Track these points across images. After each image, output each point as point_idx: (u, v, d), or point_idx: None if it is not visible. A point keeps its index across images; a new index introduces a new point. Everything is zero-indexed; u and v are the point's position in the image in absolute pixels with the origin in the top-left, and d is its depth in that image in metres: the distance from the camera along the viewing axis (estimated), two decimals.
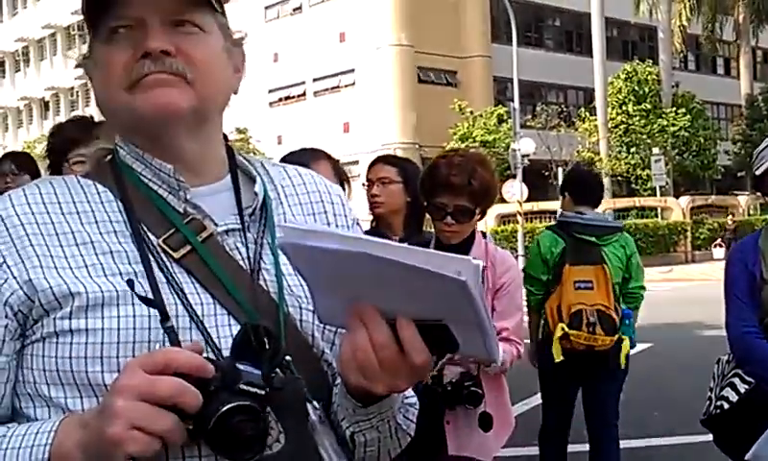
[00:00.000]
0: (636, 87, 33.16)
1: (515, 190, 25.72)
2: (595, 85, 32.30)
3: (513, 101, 27.46)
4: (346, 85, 35.52)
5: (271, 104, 38.08)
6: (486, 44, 35.76)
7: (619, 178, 32.50)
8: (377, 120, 33.11)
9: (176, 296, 1.15)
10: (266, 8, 38.01)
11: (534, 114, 31.98)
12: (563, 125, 32.12)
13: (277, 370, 1.09)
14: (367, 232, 3.84)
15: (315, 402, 1.15)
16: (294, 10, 36.96)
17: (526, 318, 4.01)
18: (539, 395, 5.21)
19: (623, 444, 6.03)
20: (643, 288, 4.86)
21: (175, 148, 1.22)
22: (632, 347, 4.66)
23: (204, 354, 1.05)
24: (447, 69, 35.53)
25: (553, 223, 5.05)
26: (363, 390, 1.08)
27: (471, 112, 31.31)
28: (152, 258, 1.16)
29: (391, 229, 3.70)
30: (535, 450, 5.21)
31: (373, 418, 1.17)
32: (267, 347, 1.08)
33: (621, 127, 32.47)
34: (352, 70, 35.04)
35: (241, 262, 1.21)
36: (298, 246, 1.01)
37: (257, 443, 1.02)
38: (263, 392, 1.02)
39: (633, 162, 32.11)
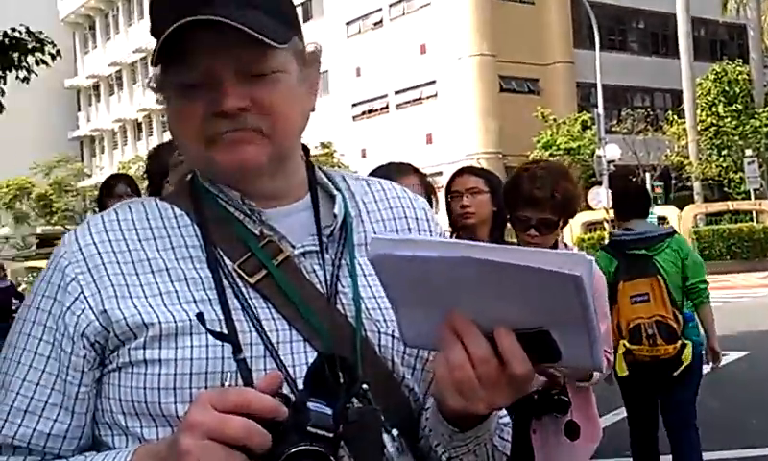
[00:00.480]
0: (727, 88, 32.24)
1: (600, 197, 25.32)
2: (683, 87, 31.55)
3: (597, 106, 27.06)
4: (428, 97, 35.63)
5: (354, 118, 38.50)
6: (568, 50, 35.38)
7: (711, 181, 31.63)
8: (460, 130, 33.10)
9: (250, 323, 1.12)
10: (347, 24, 38.50)
11: (619, 119, 31.42)
12: (649, 129, 31.46)
13: (354, 400, 1.05)
14: None
15: (394, 432, 1.11)
16: (375, 24, 37.33)
17: None
18: None
19: (720, 454, 5.97)
20: (705, 283, 4.93)
21: (257, 188, 1.21)
22: (699, 346, 4.81)
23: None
24: (529, 77, 35.28)
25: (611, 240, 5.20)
26: (461, 411, 1.03)
27: (555, 120, 31.00)
28: (227, 284, 1.13)
29: (476, 240, 3.76)
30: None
31: (470, 442, 1.11)
32: (342, 379, 1.02)
33: (711, 129, 31.59)
34: (434, 82, 35.14)
35: (318, 286, 1.17)
36: (389, 257, 0.96)
37: None
38: (332, 434, 0.97)
39: (725, 165, 31.19)
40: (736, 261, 25.06)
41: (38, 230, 46.15)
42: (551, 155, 29.98)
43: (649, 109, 34.31)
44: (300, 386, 1.06)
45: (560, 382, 3.12)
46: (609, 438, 6.29)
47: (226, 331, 1.10)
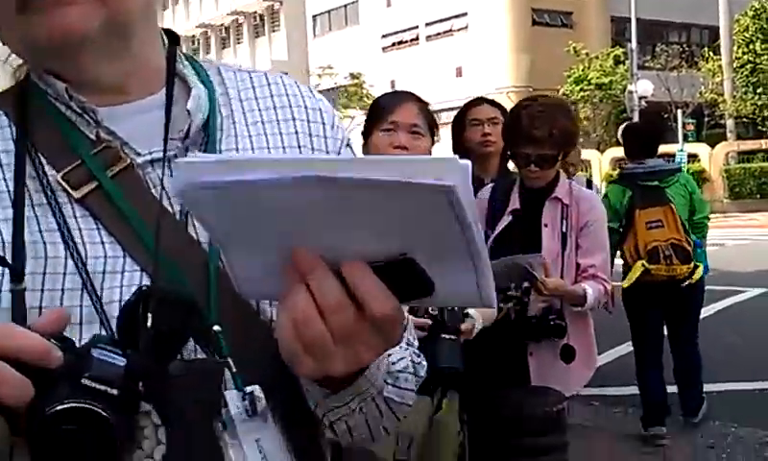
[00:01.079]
0: (765, 25, 31.44)
1: None
2: (720, 24, 30.85)
3: (630, 41, 26.61)
4: (458, 29, 35.21)
5: (384, 49, 38.19)
6: None
7: (745, 120, 31.10)
8: (490, 64, 32.77)
9: (66, 247, 0.88)
10: None
11: (653, 55, 30.88)
12: (683, 65, 30.91)
13: (197, 348, 0.87)
14: None
15: (249, 389, 0.86)
16: None
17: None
18: None
19: (735, 385, 6.13)
20: (708, 218, 5.46)
21: (90, 74, 0.94)
22: (705, 273, 5.23)
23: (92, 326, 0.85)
24: (563, 10, 34.67)
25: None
26: (317, 375, 0.78)
27: (587, 54, 30.52)
28: (44, 199, 0.91)
29: (487, 171, 3.78)
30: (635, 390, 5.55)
31: (352, 402, 0.89)
32: (170, 322, 0.77)
33: (747, 67, 30.92)
34: (465, 14, 34.67)
35: (167, 204, 0.92)
36: (202, 186, 0.69)
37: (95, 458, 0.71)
38: (116, 391, 0.71)
39: (759, 103, 30.63)
40: (766, 200, 24.82)
41: None
42: (582, 90, 29.66)
43: (685, 45, 33.66)
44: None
45: (557, 307, 3.22)
46: (615, 369, 6.47)
47: (8, 255, 0.87)
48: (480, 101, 4.04)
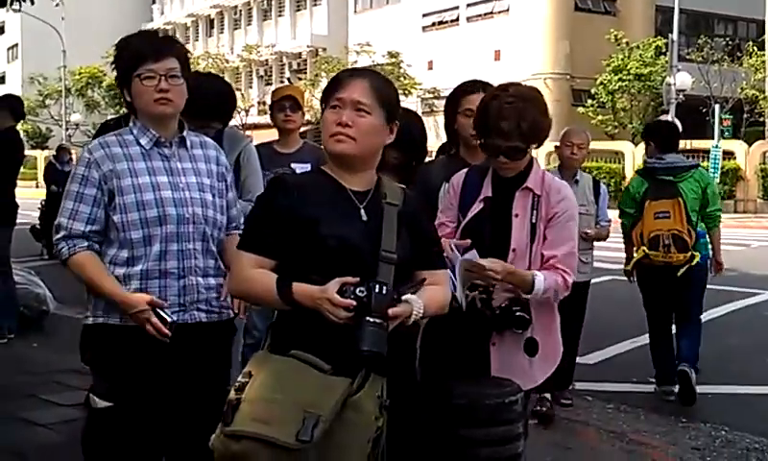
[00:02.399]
0: None
1: None
2: (766, 18, 30.18)
3: (673, 32, 26.11)
4: (499, 12, 34.86)
5: (424, 28, 37.95)
6: None
7: None
8: (529, 49, 32.41)
9: None
10: None
11: (696, 47, 30.29)
12: (726, 59, 30.29)
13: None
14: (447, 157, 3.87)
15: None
16: None
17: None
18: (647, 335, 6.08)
19: (730, 388, 6.06)
20: (720, 211, 6.02)
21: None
22: (704, 258, 5.82)
23: None
24: None
25: (697, 160, 6.58)
26: None
27: (627, 43, 30.03)
28: None
29: (478, 160, 3.67)
30: (648, 388, 5.87)
31: None
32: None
33: None
34: None
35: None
36: None
37: None
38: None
39: None
40: None
41: (108, 118, 47.19)
42: (620, 79, 29.21)
43: (728, 39, 32.99)
44: None
45: (522, 299, 3.16)
46: (610, 367, 6.41)
47: None
48: (476, 87, 3.92)
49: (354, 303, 2.22)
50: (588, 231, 5.47)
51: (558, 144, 5.56)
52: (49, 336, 6.97)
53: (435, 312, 2.52)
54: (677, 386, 5.73)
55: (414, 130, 4.38)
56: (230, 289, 2.63)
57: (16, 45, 56.69)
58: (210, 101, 3.86)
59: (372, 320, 2.19)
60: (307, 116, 41.12)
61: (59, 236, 2.77)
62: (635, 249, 5.80)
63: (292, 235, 2.38)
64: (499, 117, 3.08)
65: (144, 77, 2.77)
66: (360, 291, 2.23)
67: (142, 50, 2.80)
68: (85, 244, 2.75)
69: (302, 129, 5.21)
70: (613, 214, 5.89)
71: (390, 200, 2.47)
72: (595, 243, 5.71)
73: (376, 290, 2.23)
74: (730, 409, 5.68)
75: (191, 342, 2.82)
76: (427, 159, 3.92)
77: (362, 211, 2.44)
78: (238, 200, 3.52)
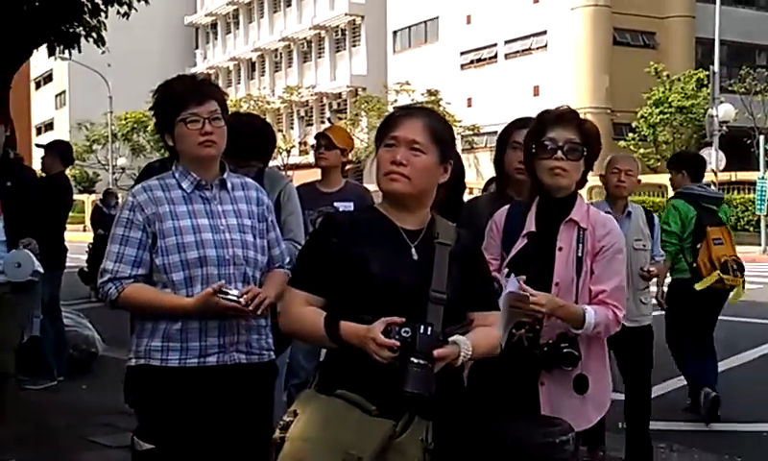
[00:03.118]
0: None
1: (711, 159, 24.38)
2: None
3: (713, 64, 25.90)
4: (537, 48, 34.88)
5: (462, 66, 38.11)
6: (689, 3, 33.84)
7: None
8: (568, 83, 32.33)
9: None
10: None
11: (739, 78, 29.96)
12: None
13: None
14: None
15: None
16: None
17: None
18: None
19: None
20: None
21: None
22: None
23: None
24: (646, 30, 34.01)
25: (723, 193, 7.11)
26: None
27: (668, 76, 29.82)
28: None
29: (522, 195, 3.63)
30: (701, 426, 5.79)
31: None
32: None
33: None
34: (545, 32, 34.34)
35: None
36: None
37: None
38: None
39: None
40: None
41: (153, 160, 47.93)
42: (662, 112, 28.99)
43: None
44: None
45: (571, 335, 3.10)
46: (671, 402, 6.28)
47: None
48: (528, 123, 3.90)
49: (398, 343, 2.19)
50: (651, 269, 5.07)
51: (603, 173, 5.19)
52: (98, 378, 7.04)
53: (484, 354, 2.48)
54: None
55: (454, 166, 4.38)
56: (281, 326, 2.59)
57: (64, 92, 58.08)
58: (250, 140, 3.91)
59: (416, 361, 2.16)
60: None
61: (104, 279, 2.80)
62: (704, 273, 5.90)
63: (342, 273, 2.38)
64: (556, 118, 3.10)
65: (189, 121, 2.81)
66: (405, 331, 2.20)
67: (185, 94, 2.84)
68: (132, 281, 2.79)
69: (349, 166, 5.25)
70: None
71: (442, 239, 2.46)
72: None
73: (421, 331, 2.20)
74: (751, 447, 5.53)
75: (232, 384, 2.83)
76: (470, 195, 3.93)
77: (413, 250, 2.43)
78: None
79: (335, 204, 4.78)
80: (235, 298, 2.73)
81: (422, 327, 2.21)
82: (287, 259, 3.09)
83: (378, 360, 2.22)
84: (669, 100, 29.11)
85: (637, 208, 5.28)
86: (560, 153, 3.05)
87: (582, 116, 3.24)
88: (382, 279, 2.35)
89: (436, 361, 2.21)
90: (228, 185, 2.94)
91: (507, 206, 3.35)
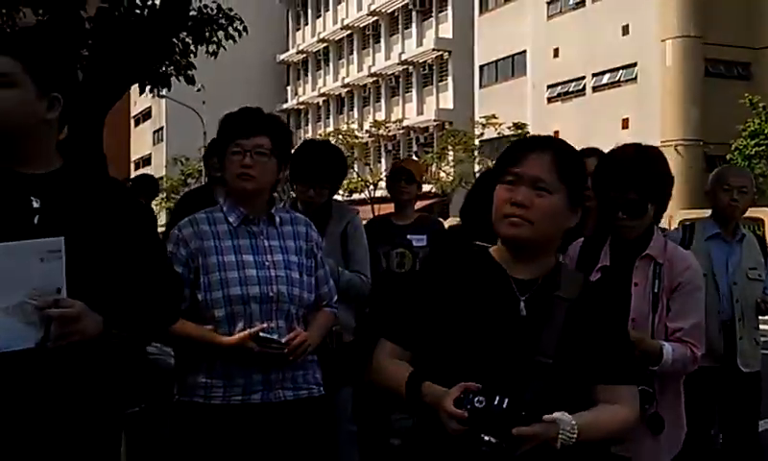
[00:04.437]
0: None
1: None
2: None
3: None
4: (627, 80, 34.31)
5: (549, 99, 37.81)
6: None
7: None
8: (658, 116, 31.66)
9: None
10: (548, 3, 37.76)
11: None
12: None
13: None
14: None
15: None
16: (576, 4, 36.36)
17: None
18: None
19: None
20: None
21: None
22: None
23: None
24: (740, 61, 33.08)
25: None
26: None
27: (764, 107, 28.88)
28: None
29: (585, 228, 3.65)
30: None
31: None
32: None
33: None
34: (634, 64, 33.77)
35: None
36: None
37: None
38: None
39: None
40: None
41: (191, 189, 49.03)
42: (757, 144, 28.04)
43: None
44: None
45: (647, 371, 3.03)
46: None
47: None
48: (591, 152, 3.90)
49: (466, 414, 1.88)
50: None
51: (709, 189, 4.50)
52: None
53: (602, 438, 2.12)
54: None
55: None
56: (368, 376, 2.36)
57: (162, 129, 60.11)
58: (321, 163, 3.98)
59: (486, 438, 1.85)
60: (433, 188, 40.92)
61: None
62: None
63: (434, 326, 2.09)
64: (615, 170, 3.04)
65: (232, 151, 2.84)
66: (478, 401, 1.87)
67: (236, 126, 2.88)
68: None
69: (429, 202, 5.28)
70: None
71: (562, 293, 2.08)
72: None
73: (495, 403, 1.86)
74: None
75: (277, 421, 2.77)
76: None
77: (522, 305, 2.08)
78: (344, 271, 3.59)
79: (408, 236, 4.81)
80: (276, 344, 2.69)
81: (498, 398, 1.86)
82: (335, 297, 3.07)
83: (450, 431, 1.93)
84: (765, 131, 28.15)
85: (749, 233, 4.60)
86: (620, 214, 3.05)
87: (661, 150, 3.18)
88: (478, 338, 2.04)
89: (519, 442, 1.87)
90: (277, 220, 2.91)
91: (581, 240, 3.32)
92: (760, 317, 4.39)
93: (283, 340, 2.71)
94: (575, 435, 1.94)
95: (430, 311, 2.10)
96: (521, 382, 1.95)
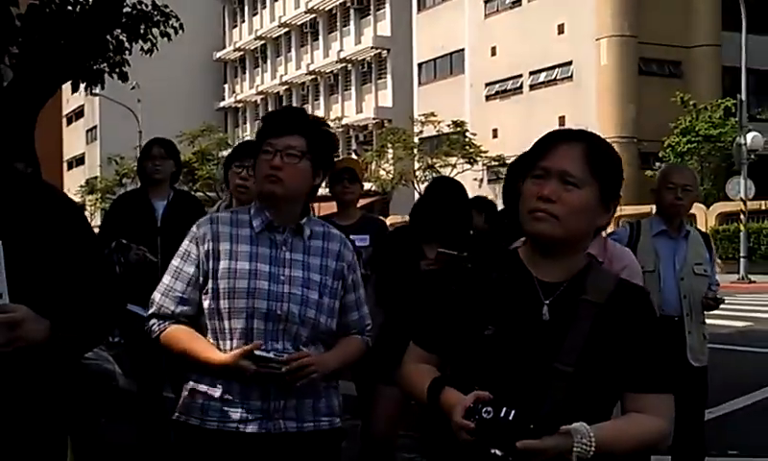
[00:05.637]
0: None
1: (739, 188, 24.17)
2: None
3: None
4: (563, 78, 34.87)
5: (487, 97, 38.19)
6: (715, 33, 33.66)
7: None
8: (594, 114, 32.25)
9: None
10: (485, 1, 38.15)
11: None
12: None
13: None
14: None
15: None
16: (513, 3, 36.82)
17: None
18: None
19: None
20: None
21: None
22: None
23: None
24: (672, 60, 33.89)
25: None
26: None
27: (695, 105, 29.65)
28: None
29: None
30: None
31: None
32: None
33: None
34: (570, 63, 34.35)
35: None
36: None
37: None
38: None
39: None
40: None
41: (124, 192, 48.40)
42: (689, 141, 28.79)
43: None
44: None
45: None
46: None
47: None
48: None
49: (473, 425, 1.79)
50: (717, 296, 4.42)
51: (655, 188, 4.55)
52: (118, 413, 7.04)
53: (626, 450, 1.94)
54: None
55: (459, 196, 4.41)
56: (397, 381, 2.25)
57: (95, 128, 58.97)
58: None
59: (493, 451, 1.76)
60: (373, 187, 40.87)
61: (150, 311, 2.59)
62: None
63: (459, 331, 2.01)
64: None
65: (263, 150, 2.55)
66: (486, 412, 1.78)
67: (271, 123, 2.61)
68: (174, 321, 2.55)
69: (369, 200, 5.26)
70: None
71: (589, 296, 1.95)
72: None
73: (502, 414, 1.77)
74: None
75: (276, 455, 2.50)
76: None
77: (545, 308, 1.96)
78: None
79: (351, 236, 4.78)
80: (273, 363, 2.39)
81: (505, 409, 1.78)
82: (368, 326, 2.73)
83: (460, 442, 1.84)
84: (696, 129, 28.93)
85: (693, 229, 4.63)
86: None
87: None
88: (497, 342, 1.94)
89: (524, 455, 1.76)
90: (306, 232, 2.59)
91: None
92: (706, 313, 4.44)
93: (283, 359, 2.41)
94: (592, 447, 1.80)
95: (457, 316, 2.02)
96: (539, 392, 1.86)
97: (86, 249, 2.16)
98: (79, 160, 62.50)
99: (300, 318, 2.48)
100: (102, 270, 2.23)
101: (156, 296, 2.57)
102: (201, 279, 2.52)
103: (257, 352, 2.39)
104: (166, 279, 2.57)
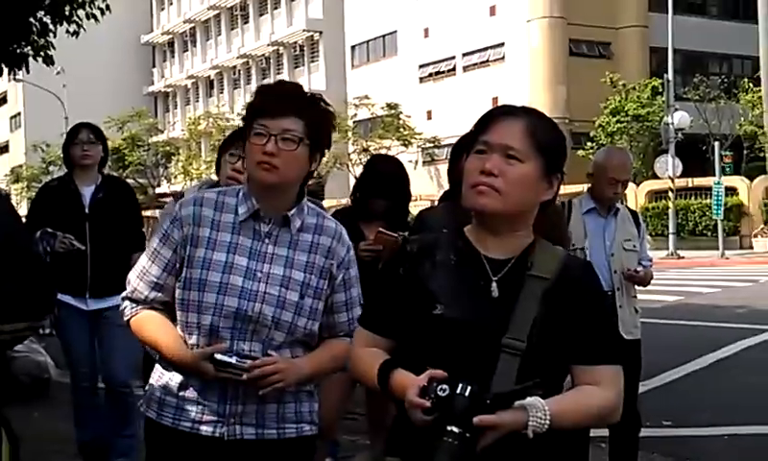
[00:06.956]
0: None
1: (667, 166, 24.76)
2: (760, 54, 30.37)
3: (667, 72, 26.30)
4: (495, 60, 35.17)
5: (421, 79, 38.29)
6: (643, 14, 34.38)
7: None
8: (526, 94, 32.61)
9: None
10: None
11: (693, 86, 30.47)
12: (723, 97, 30.43)
13: None
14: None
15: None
16: None
17: None
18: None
19: (747, 429, 5.91)
20: None
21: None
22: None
23: None
24: (601, 41, 34.47)
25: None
26: None
27: (624, 85, 30.23)
28: None
29: None
30: (645, 432, 5.27)
31: None
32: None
33: None
34: (502, 44, 34.65)
35: None
36: None
37: None
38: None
39: None
40: None
41: (49, 180, 47.45)
42: (618, 121, 29.36)
43: (724, 77, 33.20)
44: None
45: None
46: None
47: None
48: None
49: (428, 404, 1.75)
50: (639, 269, 4.44)
51: (592, 173, 4.48)
52: (50, 405, 6.87)
53: (577, 423, 1.94)
54: None
55: (399, 175, 4.41)
56: (348, 368, 2.19)
57: (19, 114, 57.29)
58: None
59: (450, 429, 1.71)
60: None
61: (125, 293, 2.42)
62: None
63: (406, 312, 1.97)
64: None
65: (255, 133, 2.28)
66: (441, 390, 1.74)
67: (264, 101, 2.33)
68: (147, 306, 2.39)
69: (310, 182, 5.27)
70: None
71: (536, 272, 1.94)
72: None
73: (458, 390, 1.73)
74: (747, 450, 5.54)
75: None
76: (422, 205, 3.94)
77: (493, 285, 1.94)
78: None
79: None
80: (236, 369, 2.22)
81: (461, 385, 1.74)
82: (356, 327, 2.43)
83: (415, 423, 1.82)
84: (626, 109, 29.51)
85: (622, 206, 4.65)
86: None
87: None
88: (446, 322, 1.91)
89: (481, 431, 1.74)
90: (295, 224, 2.35)
91: None
92: (637, 288, 4.51)
93: (245, 365, 2.22)
94: (547, 421, 1.80)
95: (405, 297, 1.98)
96: (491, 368, 1.84)
97: (14, 236, 2.06)
98: (3, 148, 60.70)
99: (273, 320, 2.27)
100: (31, 258, 2.13)
101: (132, 277, 2.40)
102: (177, 265, 2.32)
103: (218, 356, 2.22)
104: (143, 259, 2.40)
